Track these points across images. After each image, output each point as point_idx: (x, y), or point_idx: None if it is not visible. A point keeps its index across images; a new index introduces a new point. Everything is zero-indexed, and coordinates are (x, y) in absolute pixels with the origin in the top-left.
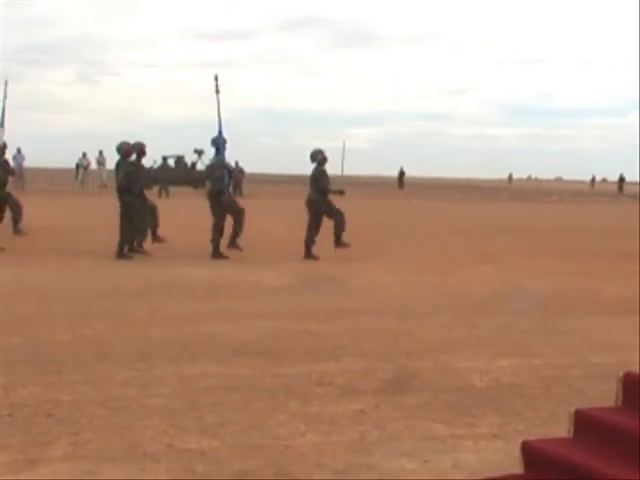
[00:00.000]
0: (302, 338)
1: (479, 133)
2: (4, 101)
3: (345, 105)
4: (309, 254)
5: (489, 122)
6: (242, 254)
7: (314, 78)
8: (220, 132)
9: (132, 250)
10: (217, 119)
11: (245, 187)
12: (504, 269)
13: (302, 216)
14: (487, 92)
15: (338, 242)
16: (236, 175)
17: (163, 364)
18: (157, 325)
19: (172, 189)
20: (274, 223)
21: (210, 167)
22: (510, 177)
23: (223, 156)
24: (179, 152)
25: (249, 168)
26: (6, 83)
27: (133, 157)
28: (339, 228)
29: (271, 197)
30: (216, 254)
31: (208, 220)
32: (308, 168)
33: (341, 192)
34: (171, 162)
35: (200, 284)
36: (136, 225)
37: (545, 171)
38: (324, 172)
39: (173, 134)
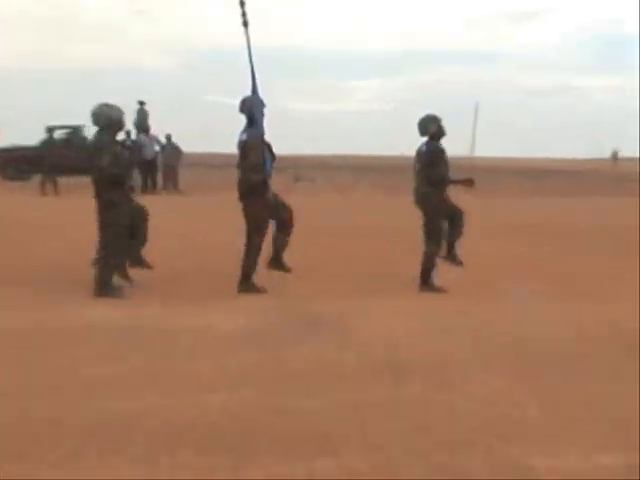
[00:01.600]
0: (276, 420)
1: (558, 84)
2: None
3: (341, 41)
4: (427, 283)
5: (575, 66)
6: (180, 286)
7: None
8: (254, 90)
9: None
10: (250, 69)
11: (182, 176)
12: (603, 302)
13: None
14: (571, 17)
15: (451, 255)
16: (167, 157)
17: (47, 467)
18: (39, 398)
19: (63, 180)
20: (234, 234)
21: (244, 145)
22: (615, 155)
23: (262, 128)
24: (75, 120)
25: (187, 146)
26: None
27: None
28: (455, 235)
29: (224, 191)
30: (248, 285)
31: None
32: (281, 144)
33: (469, 182)
34: (60, 136)
35: (117, 331)
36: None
37: None
38: (441, 151)
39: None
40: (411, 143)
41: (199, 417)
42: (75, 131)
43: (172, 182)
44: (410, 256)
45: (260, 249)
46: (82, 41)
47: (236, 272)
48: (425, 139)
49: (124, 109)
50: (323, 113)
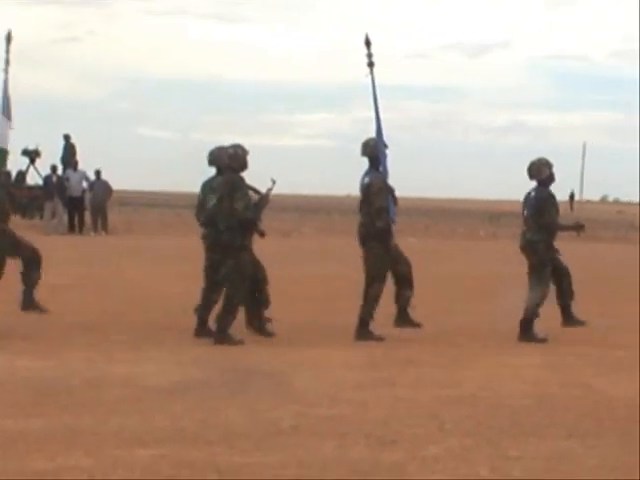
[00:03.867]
0: (208, 478)
1: (516, 121)
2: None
3: (281, 74)
4: (528, 334)
5: (533, 102)
6: (112, 333)
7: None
8: (379, 132)
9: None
10: (374, 111)
11: (112, 215)
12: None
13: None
14: (529, 49)
15: (568, 317)
16: (96, 194)
17: None
18: None
19: None
20: (170, 279)
21: (367, 189)
22: (572, 197)
23: (386, 172)
24: None
25: (118, 184)
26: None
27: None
28: (568, 294)
29: (161, 233)
30: (365, 333)
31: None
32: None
33: (580, 227)
34: None
35: (39, 381)
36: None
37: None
38: (552, 197)
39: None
40: (356, 182)
41: (124, 476)
42: None
43: (101, 222)
44: (355, 303)
45: (380, 298)
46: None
47: (175, 321)
48: (534, 184)
49: (45, 142)
50: (264, 148)
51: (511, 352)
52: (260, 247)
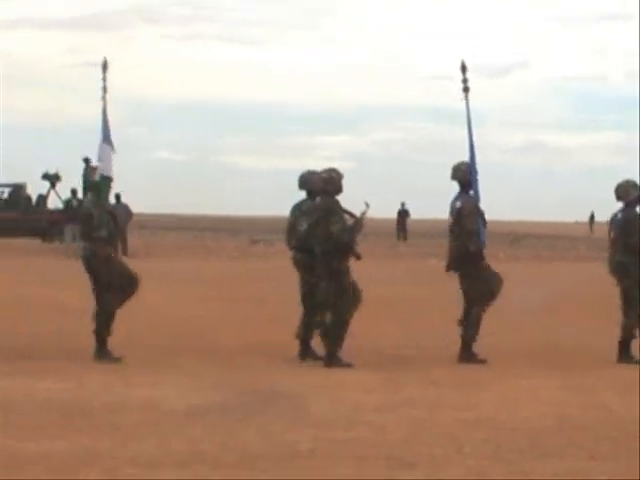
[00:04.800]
0: None
1: (534, 141)
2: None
3: (304, 95)
4: (626, 356)
5: (552, 123)
6: (132, 356)
7: (243, 47)
8: (472, 155)
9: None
10: (468, 135)
11: (132, 238)
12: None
13: (238, 289)
14: (546, 70)
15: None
16: (118, 219)
17: None
18: None
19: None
20: (189, 302)
21: (458, 212)
22: (592, 218)
23: (478, 195)
24: (18, 178)
25: (136, 207)
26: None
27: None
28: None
29: (179, 256)
30: (469, 356)
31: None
32: (239, 208)
33: None
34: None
35: (60, 403)
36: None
37: None
38: (636, 217)
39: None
40: (377, 203)
41: None
42: (15, 190)
43: (121, 245)
44: (377, 326)
45: (481, 320)
46: (29, 94)
47: (194, 344)
48: (620, 205)
49: (68, 166)
50: (283, 171)
51: (530, 374)
52: (276, 267)
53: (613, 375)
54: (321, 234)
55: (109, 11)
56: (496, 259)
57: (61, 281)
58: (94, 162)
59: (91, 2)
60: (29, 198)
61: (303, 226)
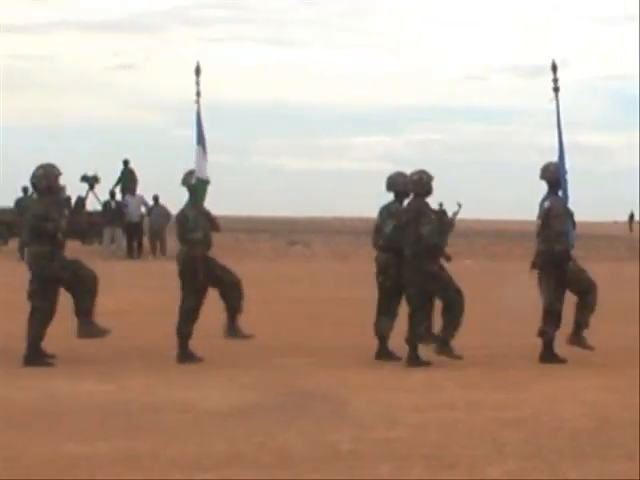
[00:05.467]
0: None
1: (574, 142)
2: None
3: (341, 96)
4: None
5: (591, 123)
6: (171, 357)
7: (279, 48)
8: (562, 155)
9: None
10: (557, 135)
11: (171, 240)
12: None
13: (276, 290)
14: (586, 70)
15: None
16: (154, 219)
17: None
18: (19, 473)
19: None
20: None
21: (547, 213)
22: (631, 218)
23: (567, 196)
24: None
25: (175, 209)
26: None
27: None
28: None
29: (219, 257)
30: (552, 356)
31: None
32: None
33: None
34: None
35: (101, 406)
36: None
37: None
38: None
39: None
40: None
41: None
42: None
43: (160, 246)
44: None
45: (561, 318)
46: (66, 95)
47: (233, 345)
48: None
49: (108, 168)
50: (320, 172)
51: (569, 374)
52: (315, 268)
53: None
54: (411, 236)
55: (149, 13)
56: (532, 258)
57: (101, 283)
58: (193, 166)
59: (130, 4)
60: (68, 200)
61: (389, 227)
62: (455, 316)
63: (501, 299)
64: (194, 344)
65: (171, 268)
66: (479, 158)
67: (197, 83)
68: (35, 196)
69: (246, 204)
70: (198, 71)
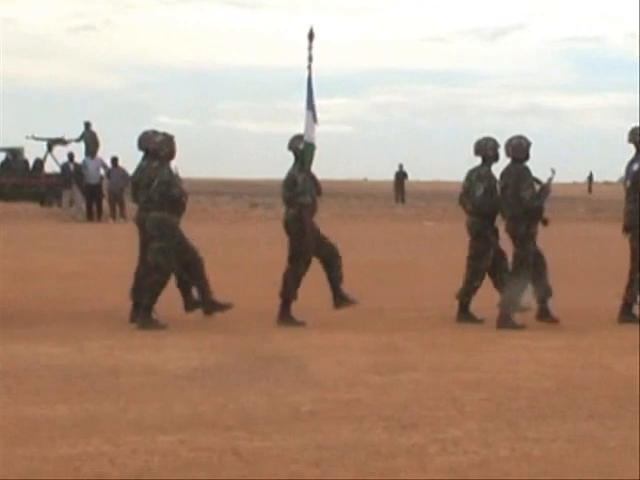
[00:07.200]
0: (229, 462)
1: (533, 104)
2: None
3: (300, 60)
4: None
5: (550, 85)
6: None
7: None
8: None
9: None
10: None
11: (129, 203)
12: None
13: (238, 253)
14: (546, 31)
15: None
16: (114, 182)
17: None
18: None
19: None
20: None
21: (635, 175)
22: (590, 179)
23: None
24: (14, 143)
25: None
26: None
27: None
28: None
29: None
30: (630, 316)
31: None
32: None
33: None
34: None
35: (60, 369)
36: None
37: None
38: None
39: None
40: (375, 167)
41: (146, 462)
42: (12, 153)
43: (119, 209)
44: (376, 289)
45: None
46: (22, 59)
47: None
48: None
49: (64, 131)
50: (280, 134)
51: (530, 335)
52: (277, 229)
53: (613, 335)
54: (509, 199)
55: None
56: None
57: (60, 246)
58: (301, 131)
59: None
60: (26, 162)
61: (480, 191)
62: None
63: (460, 261)
64: (160, 306)
65: (131, 230)
66: (440, 120)
67: (309, 48)
68: (155, 162)
69: (207, 167)
70: (311, 36)
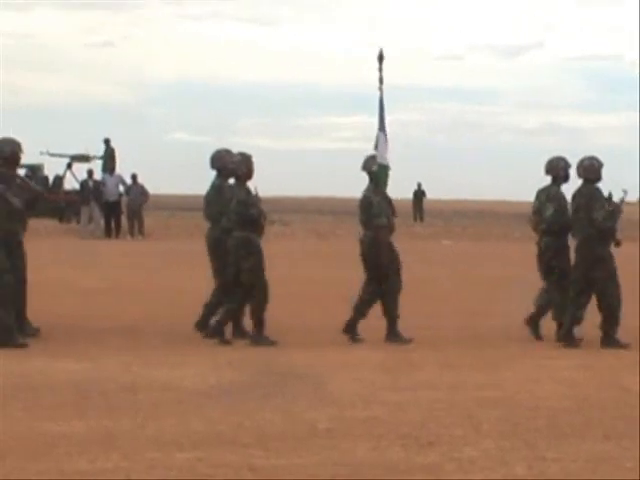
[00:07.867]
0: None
1: (549, 123)
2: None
3: (313, 75)
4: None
5: (566, 104)
6: (149, 336)
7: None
8: None
9: None
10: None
11: (149, 219)
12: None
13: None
14: (562, 50)
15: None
16: (133, 199)
17: None
18: None
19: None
20: (206, 283)
21: None
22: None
23: None
24: (34, 159)
25: (154, 188)
26: None
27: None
28: None
29: (197, 237)
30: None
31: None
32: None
33: None
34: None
35: (78, 385)
36: None
37: None
38: None
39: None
40: (395, 185)
41: (163, 479)
42: (33, 170)
43: (138, 226)
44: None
45: None
46: (41, 74)
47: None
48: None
49: (86, 147)
50: (298, 151)
51: (548, 354)
52: (295, 247)
53: (631, 355)
54: (582, 221)
55: None
56: (512, 239)
57: (78, 262)
58: (373, 151)
59: None
60: (46, 178)
61: (549, 211)
62: (612, 312)
63: (479, 280)
64: (169, 324)
65: (149, 247)
66: (457, 138)
67: (379, 69)
68: (232, 182)
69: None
70: (381, 58)
